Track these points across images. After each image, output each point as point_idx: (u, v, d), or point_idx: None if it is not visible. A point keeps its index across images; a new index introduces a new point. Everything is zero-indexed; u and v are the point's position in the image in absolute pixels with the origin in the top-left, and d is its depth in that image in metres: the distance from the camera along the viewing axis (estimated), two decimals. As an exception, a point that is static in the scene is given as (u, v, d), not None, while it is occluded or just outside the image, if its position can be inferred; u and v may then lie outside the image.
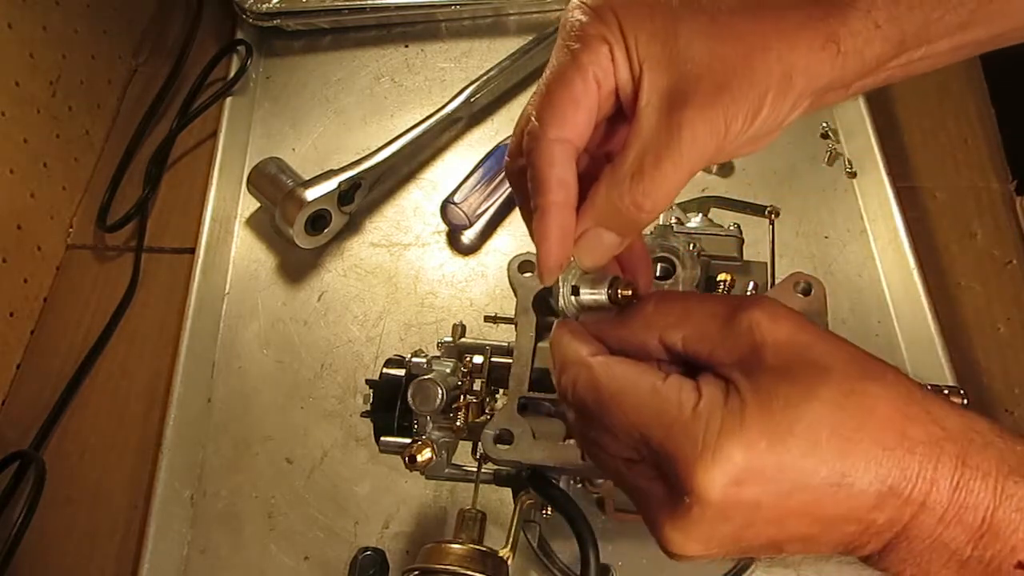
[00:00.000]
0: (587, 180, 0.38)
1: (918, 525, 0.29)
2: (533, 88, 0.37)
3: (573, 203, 0.36)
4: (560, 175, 0.35)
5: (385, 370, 0.54)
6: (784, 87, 0.34)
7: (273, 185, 0.80)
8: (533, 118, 0.36)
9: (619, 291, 0.37)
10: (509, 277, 0.53)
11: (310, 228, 0.79)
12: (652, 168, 0.33)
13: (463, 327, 0.56)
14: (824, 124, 0.85)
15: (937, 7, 0.34)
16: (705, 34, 0.34)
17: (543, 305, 0.52)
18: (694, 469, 0.29)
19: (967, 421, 0.30)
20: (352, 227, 0.83)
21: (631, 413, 0.32)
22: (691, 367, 0.34)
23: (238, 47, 0.94)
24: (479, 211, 0.80)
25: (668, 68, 0.34)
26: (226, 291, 0.80)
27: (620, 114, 0.37)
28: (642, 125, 0.34)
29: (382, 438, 0.53)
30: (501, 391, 0.53)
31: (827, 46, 0.34)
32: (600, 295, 0.38)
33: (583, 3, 0.36)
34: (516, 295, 0.52)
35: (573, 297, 0.39)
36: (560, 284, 0.39)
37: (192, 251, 0.80)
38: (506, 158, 0.38)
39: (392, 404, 0.53)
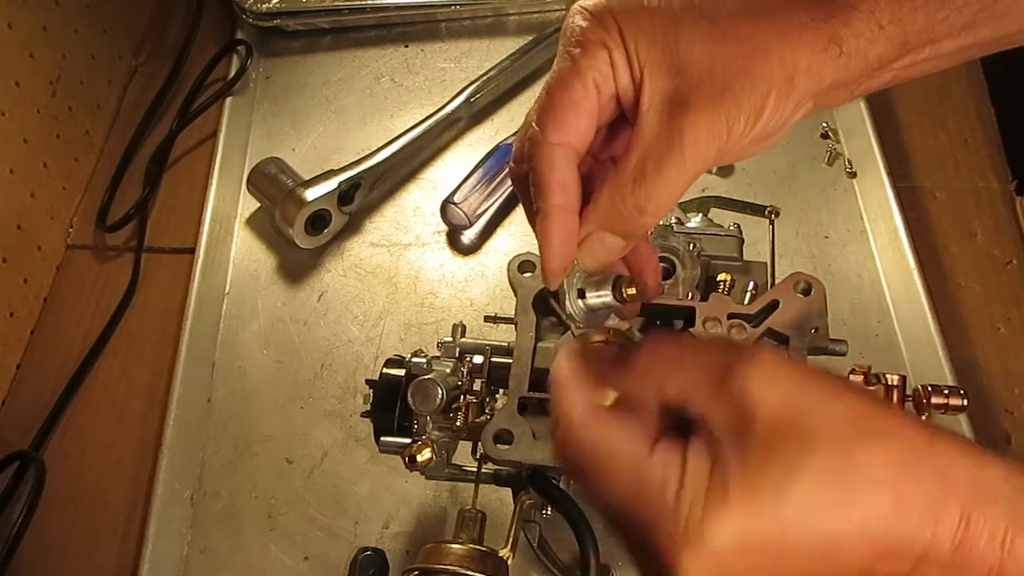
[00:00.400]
0: (591, 184, 0.38)
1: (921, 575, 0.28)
2: (533, 88, 0.38)
3: (575, 206, 0.36)
4: (561, 179, 0.36)
5: (385, 370, 0.54)
6: (786, 88, 0.34)
7: (273, 185, 0.80)
8: (534, 123, 0.36)
9: (623, 290, 0.37)
10: (509, 277, 0.53)
11: (310, 228, 0.79)
12: (654, 172, 0.34)
13: (463, 327, 0.56)
14: (824, 124, 0.85)
15: (941, 8, 0.34)
16: (706, 38, 0.34)
17: (543, 305, 0.52)
18: (679, 556, 0.29)
19: (976, 472, 0.29)
20: (352, 227, 0.83)
21: (614, 489, 0.31)
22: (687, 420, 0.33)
23: (238, 47, 0.94)
24: (479, 211, 0.80)
25: (669, 72, 0.34)
26: (226, 291, 0.80)
27: (623, 118, 0.37)
28: (644, 129, 0.34)
29: (382, 438, 0.53)
30: (501, 391, 0.53)
31: (829, 47, 0.34)
32: (606, 296, 0.38)
33: (584, 8, 0.36)
34: (516, 295, 0.52)
35: (580, 301, 0.39)
36: (565, 287, 0.39)
37: (192, 251, 0.80)
38: (510, 163, 0.38)
39: (392, 404, 0.53)
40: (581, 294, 0.38)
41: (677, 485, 0.30)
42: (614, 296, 0.37)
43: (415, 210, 0.84)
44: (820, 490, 0.28)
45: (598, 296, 0.38)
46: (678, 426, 0.32)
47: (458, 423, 0.51)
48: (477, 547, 0.48)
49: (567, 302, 0.39)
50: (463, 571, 0.46)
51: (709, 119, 0.33)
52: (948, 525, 0.28)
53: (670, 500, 0.30)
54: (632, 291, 0.37)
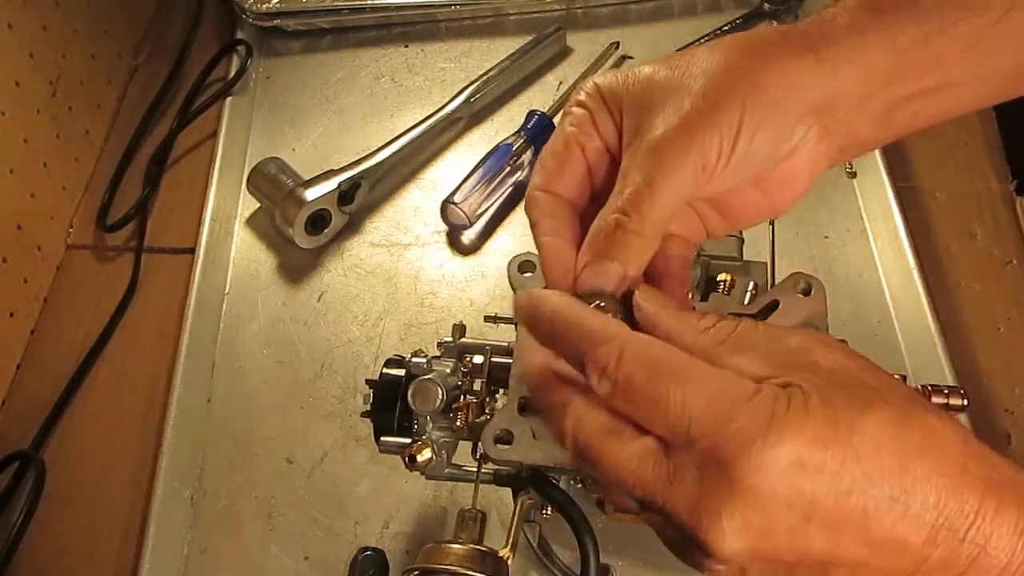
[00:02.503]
0: None
1: (979, 574, 0.28)
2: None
3: (567, 236, 0.39)
4: (547, 211, 0.39)
5: (385, 370, 0.54)
6: (760, 101, 0.34)
7: (273, 185, 0.80)
8: (533, 175, 0.41)
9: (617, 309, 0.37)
10: (509, 277, 0.53)
11: (310, 228, 0.79)
12: (634, 200, 0.35)
13: (463, 327, 0.56)
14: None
15: (931, 20, 0.35)
16: (673, 77, 0.36)
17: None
18: (757, 446, 0.27)
19: (1019, 472, 0.29)
20: (352, 227, 0.83)
21: (690, 391, 0.29)
22: None
23: (238, 47, 0.94)
24: (479, 211, 0.80)
25: (645, 113, 0.36)
26: (226, 291, 0.80)
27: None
28: (624, 165, 0.37)
29: (382, 438, 0.53)
30: (501, 391, 0.53)
31: (803, 54, 0.34)
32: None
33: (579, 88, 0.40)
34: (516, 295, 0.52)
35: None
36: None
37: (192, 251, 0.80)
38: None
39: (392, 404, 0.53)
40: None
41: (756, 388, 0.29)
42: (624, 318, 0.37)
43: (415, 210, 0.84)
44: (896, 431, 0.28)
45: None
46: None
47: (458, 423, 0.51)
48: (477, 547, 0.48)
49: None
50: (463, 571, 0.46)
51: (675, 149, 0.35)
52: (1009, 512, 0.27)
53: (750, 395, 0.28)
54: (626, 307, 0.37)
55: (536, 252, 0.40)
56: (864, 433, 0.28)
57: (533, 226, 0.40)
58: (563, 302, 0.35)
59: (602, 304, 0.37)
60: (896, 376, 0.43)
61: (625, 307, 0.37)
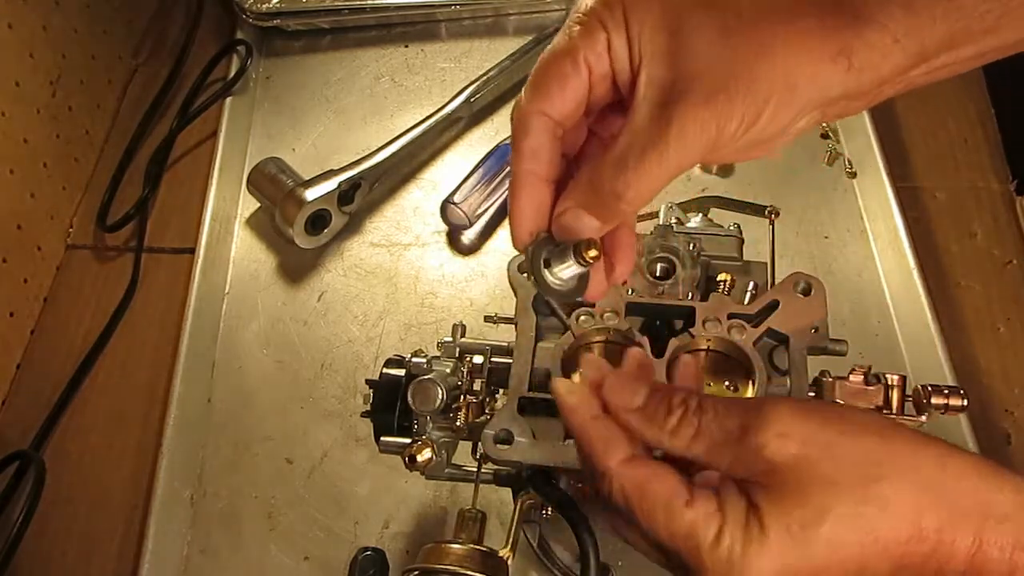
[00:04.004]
0: (585, 157, 0.39)
1: None
2: (536, 64, 0.38)
3: (547, 174, 0.37)
4: (534, 145, 0.36)
5: (385, 370, 0.54)
6: (787, 96, 0.33)
7: (273, 185, 0.80)
8: (522, 91, 0.37)
9: (584, 253, 0.36)
10: (509, 277, 0.53)
11: (310, 228, 0.79)
12: (636, 160, 0.34)
13: (463, 327, 0.56)
14: (824, 124, 0.85)
15: (961, 17, 0.33)
16: (711, 33, 0.33)
17: (543, 305, 0.52)
18: None
19: (985, 495, 0.31)
20: (352, 227, 0.83)
21: (661, 532, 0.34)
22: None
23: (238, 47, 0.94)
24: (479, 211, 0.80)
25: (668, 63, 0.34)
26: (226, 291, 0.80)
27: (623, 101, 0.37)
28: (634, 117, 0.34)
29: (382, 438, 0.53)
30: (501, 391, 0.53)
31: (838, 59, 0.33)
32: (571, 265, 0.37)
33: None
34: (516, 295, 0.52)
35: (546, 271, 0.38)
36: (532, 256, 0.38)
37: (192, 251, 0.80)
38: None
39: (392, 404, 0.53)
40: (547, 263, 0.38)
41: (717, 528, 0.33)
42: (575, 259, 0.36)
43: (415, 210, 0.84)
44: (845, 528, 0.31)
45: (564, 267, 0.37)
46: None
47: (458, 423, 0.51)
48: (477, 547, 0.48)
49: (535, 269, 0.38)
50: (463, 571, 0.46)
51: (699, 115, 0.33)
52: (962, 547, 0.31)
53: (711, 541, 0.32)
54: (593, 252, 0.36)
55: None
56: (818, 546, 0.31)
57: (514, 151, 0.37)
58: (580, 422, 0.38)
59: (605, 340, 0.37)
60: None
61: (578, 255, 0.37)
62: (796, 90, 0.33)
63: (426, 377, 0.51)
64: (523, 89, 0.37)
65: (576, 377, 0.48)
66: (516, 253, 0.53)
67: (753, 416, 0.34)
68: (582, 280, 0.39)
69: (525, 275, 0.38)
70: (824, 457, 0.32)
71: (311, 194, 0.76)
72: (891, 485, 0.32)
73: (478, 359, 0.53)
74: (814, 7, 0.34)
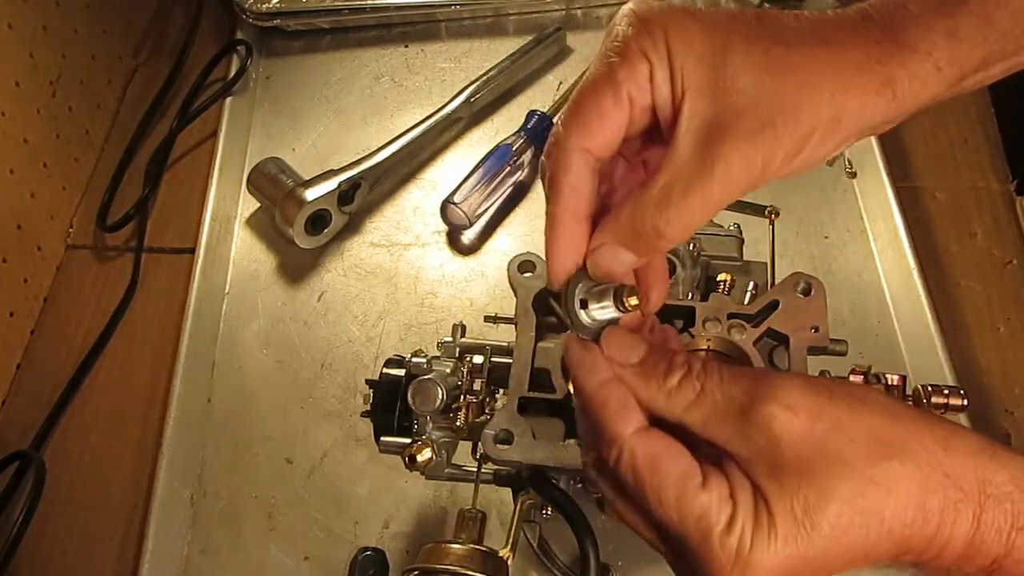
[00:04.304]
0: (617, 185, 0.38)
1: (934, 563, 0.32)
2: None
3: (586, 212, 0.36)
4: (574, 183, 0.35)
5: (385, 370, 0.54)
6: (831, 128, 0.33)
7: (273, 185, 0.80)
8: (559, 124, 0.36)
9: (625, 300, 0.35)
10: (509, 277, 0.53)
11: (310, 228, 0.79)
12: (680, 198, 0.33)
13: (463, 327, 0.56)
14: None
15: (999, 40, 0.33)
16: (756, 65, 0.33)
17: (543, 305, 0.52)
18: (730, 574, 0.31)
19: (986, 474, 0.31)
20: (352, 227, 0.83)
21: (669, 512, 0.33)
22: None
23: (238, 47, 0.94)
24: (479, 211, 0.80)
25: (712, 96, 0.33)
26: (226, 291, 0.80)
27: (659, 128, 0.36)
28: (677, 152, 0.33)
29: (382, 438, 0.53)
30: (501, 391, 0.53)
31: (882, 91, 0.33)
32: (608, 306, 0.36)
33: (633, 11, 0.34)
34: (516, 295, 0.52)
35: (582, 311, 0.37)
36: (568, 294, 0.37)
37: (192, 251, 0.80)
38: (542, 156, 0.38)
39: (392, 404, 0.53)
40: (583, 304, 0.37)
41: (729, 515, 0.32)
42: (615, 304, 0.36)
43: (415, 210, 0.84)
44: (851, 510, 0.31)
45: (600, 307, 0.37)
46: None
47: (458, 423, 0.51)
48: (477, 547, 0.48)
49: (570, 308, 0.38)
50: (463, 571, 0.46)
51: (745, 152, 0.32)
52: (963, 526, 0.31)
53: (722, 529, 0.32)
54: (634, 301, 0.35)
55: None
56: (825, 530, 0.31)
57: (553, 188, 0.36)
58: (595, 383, 0.36)
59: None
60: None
61: (619, 302, 0.36)
62: (841, 122, 0.33)
63: (426, 377, 0.51)
64: (560, 122, 0.36)
65: None
66: (516, 253, 0.53)
67: (761, 386, 0.33)
68: (615, 322, 0.38)
69: (558, 310, 0.37)
70: (831, 434, 0.32)
71: (311, 194, 0.76)
72: (897, 465, 0.31)
73: (478, 359, 0.53)
74: (858, 37, 0.33)
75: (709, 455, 0.34)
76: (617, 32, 0.34)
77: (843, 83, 0.32)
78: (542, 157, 0.37)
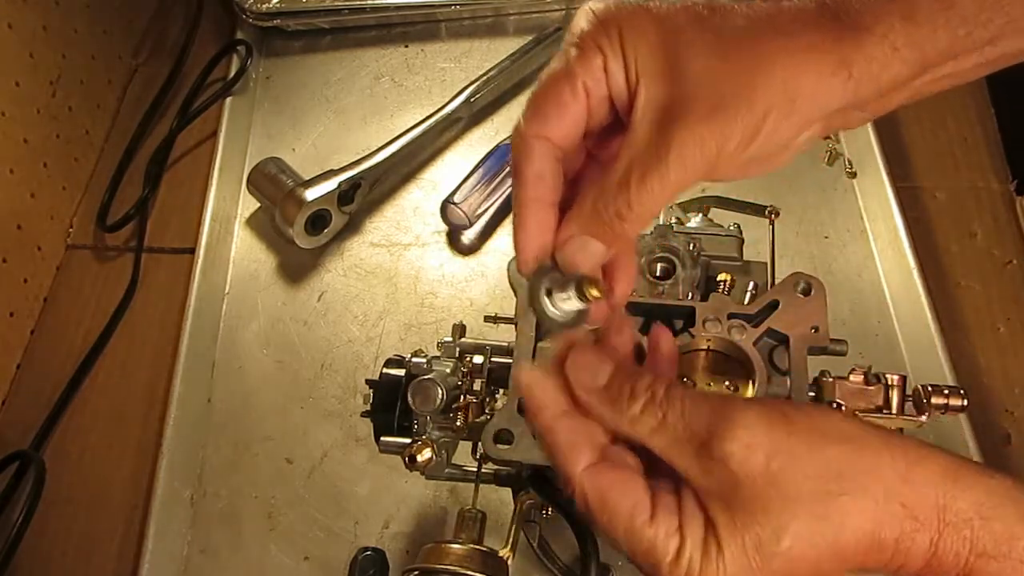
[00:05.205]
0: (584, 182, 0.38)
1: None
2: (533, 88, 0.37)
3: (551, 199, 0.37)
4: (537, 170, 0.36)
5: (385, 370, 0.54)
6: (786, 110, 0.33)
7: (273, 185, 0.80)
8: (521, 116, 0.37)
9: (586, 290, 0.35)
10: (509, 277, 0.53)
11: (310, 228, 0.79)
12: (638, 182, 0.34)
13: (463, 327, 0.56)
14: (824, 124, 0.85)
15: (963, 24, 0.33)
16: (708, 51, 0.33)
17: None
18: None
19: (946, 502, 0.31)
20: (352, 227, 0.83)
21: (623, 545, 0.34)
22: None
23: (238, 47, 0.94)
24: (479, 211, 0.80)
25: (665, 83, 0.34)
26: (226, 291, 0.80)
27: (620, 121, 0.37)
28: (633, 138, 0.34)
29: (382, 438, 0.53)
30: (501, 391, 0.53)
31: (838, 71, 0.33)
32: (571, 298, 0.36)
33: (590, 10, 0.36)
34: (516, 295, 0.52)
35: (547, 299, 0.37)
36: (534, 285, 0.37)
37: (192, 251, 0.80)
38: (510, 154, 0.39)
39: (392, 404, 0.53)
40: (549, 293, 0.37)
41: (676, 547, 0.33)
42: (577, 296, 0.36)
43: (415, 210, 0.84)
44: (803, 545, 0.32)
45: (564, 298, 0.37)
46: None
47: (458, 423, 0.51)
48: (477, 547, 0.48)
49: (535, 299, 0.37)
50: (463, 571, 0.46)
51: (699, 134, 0.33)
52: (918, 552, 0.31)
53: (671, 560, 0.33)
54: (595, 292, 0.35)
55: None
56: (776, 562, 0.31)
57: (517, 176, 0.37)
58: (544, 423, 0.37)
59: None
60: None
61: (580, 292, 0.36)
62: (796, 103, 0.33)
63: (426, 377, 0.51)
64: (522, 113, 0.37)
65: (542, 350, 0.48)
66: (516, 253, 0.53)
67: (721, 420, 0.33)
68: (582, 314, 0.38)
69: (528, 302, 0.37)
70: (787, 471, 0.32)
71: (311, 194, 0.76)
72: (852, 500, 0.32)
73: (478, 359, 0.53)
74: (811, 21, 0.33)
75: (672, 474, 0.34)
76: (575, 28, 0.36)
77: (795, 65, 0.33)
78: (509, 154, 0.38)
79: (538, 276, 0.37)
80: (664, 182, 0.33)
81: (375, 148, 0.82)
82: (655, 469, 0.35)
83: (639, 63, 0.34)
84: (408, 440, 0.52)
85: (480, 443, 0.47)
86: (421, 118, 0.85)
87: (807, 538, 0.31)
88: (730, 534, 0.32)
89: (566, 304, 0.37)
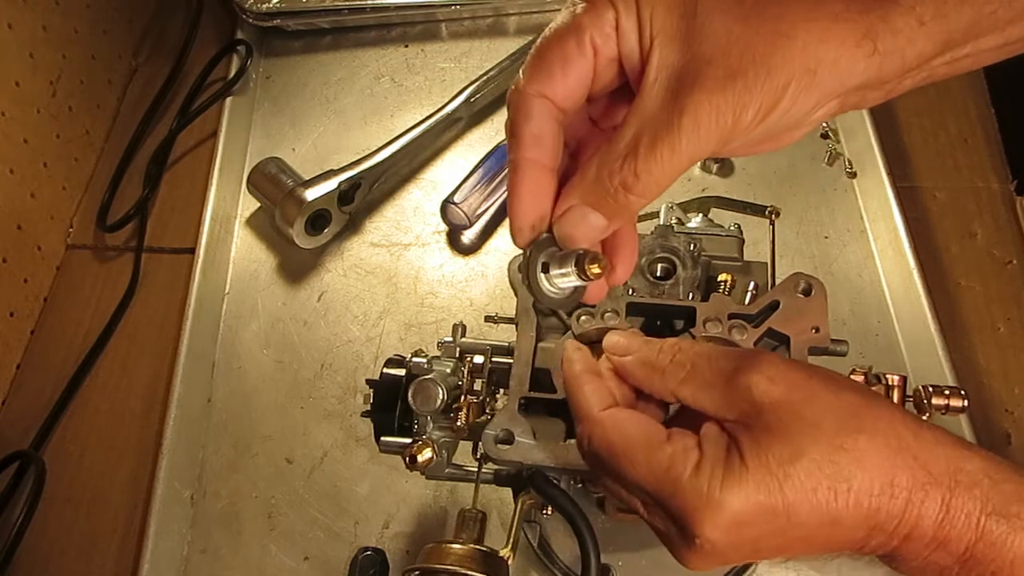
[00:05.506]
0: (586, 151, 0.37)
1: (907, 549, 0.32)
2: (536, 42, 0.35)
3: (550, 163, 0.35)
4: (535, 130, 0.34)
5: (385, 370, 0.54)
6: (806, 81, 0.31)
7: (273, 185, 0.80)
8: (520, 72, 0.34)
9: (587, 267, 0.33)
10: (509, 277, 0.53)
11: (310, 228, 0.79)
12: (647, 150, 0.32)
13: (463, 327, 0.56)
14: (824, 124, 0.85)
15: (988, 2, 0.32)
16: (728, 13, 0.32)
17: (543, 305, 0.52)
18: (701, 517, 0.32)
19: (956, 462, 0.32)
20: (352, 227, 0.83)
21: (641, 470, 0.34)
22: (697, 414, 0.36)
23: (238, 47, 0.94)
24: (479, 211, 0.80)
25: (681, 45, 0.32)
26: (226, 291, 0.80)
27: (628, 88, 0.35)
28: (644, 103, 0.32)
29: (382, 438, 0.53)
30: (502, 391, 0.53)
31: (862, 43, 0.31)
32: (569, 273, 0.34)
33: None
34: (516, 295, 0.52)
35: (543, 275, 0.35)
36: (530, 259, 0.35)
37: (192, 251, 0.80)
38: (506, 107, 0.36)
39: (392, 404, 0.53)
40: (545, 268, 0.35)
41: (696, 462, 0.33)
42: (577, 272, 0.33)
43: (415, 210, 0.84)
44: (819, 471, 0.31)
45: (562, 273, 0.34)
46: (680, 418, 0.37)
47: (458, 423, 0.51)
48: (477, 547, 0.47)
49: (531, 274, 0.35)
50: (463, 571, 0.46)
51: (715, 102, 0.31)
52: (931, 508, 0.31)
53: (690, 473, 0.33)
54: (596, 269, 0.33)
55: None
56: (795, 482, 0.31)
57: (513, 136, 0.34)
58: (573, 373, 0.40)
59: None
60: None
61: (580, 268, 0.34)
62: (817, 76, 0.31)
63: (426, 377, 0.51)
64: (521, 70, 0.34)
65: None
66: (517, 253, 0.53)
67: (745, 359, 0.35)
68: (578, 291, 0.37)
69: (522, 277, 0.35)
70: (807, 403, 0.33)
71: (311, 194, 0.76)
72: (868, 439, 0.32)
73: (478, 359, 0.53)
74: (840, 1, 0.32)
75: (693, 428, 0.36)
76: None
77: (819, 33, 0.31)
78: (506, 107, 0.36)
79: (535, 251, 0.35)
80: (675, 151, 0.31)
81: (375, 148, 0.82)
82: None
83: (654, 22, 0.32)
84: (408, 440, 0.52)
85: (480, 443, 0.47)
86: (421, 118, 0.85)
87: (825, 466, 0.31)
88: (753, 450, 0.32)
89: (562, 281, 0.35)
